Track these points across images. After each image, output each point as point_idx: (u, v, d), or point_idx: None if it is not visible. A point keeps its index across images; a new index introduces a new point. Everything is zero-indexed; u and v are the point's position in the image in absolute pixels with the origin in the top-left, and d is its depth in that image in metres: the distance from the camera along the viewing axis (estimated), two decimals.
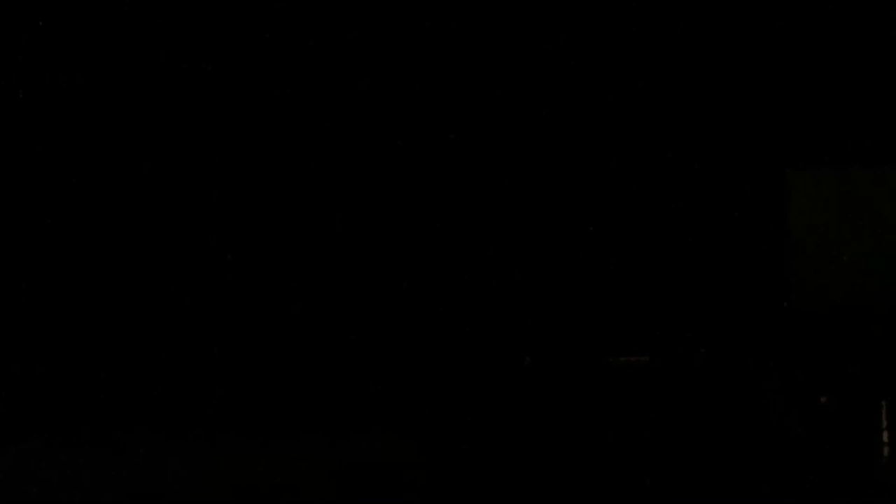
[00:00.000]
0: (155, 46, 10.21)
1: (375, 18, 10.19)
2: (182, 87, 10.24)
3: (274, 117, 10.27)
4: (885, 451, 8.30)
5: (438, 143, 10.20)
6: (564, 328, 10.07)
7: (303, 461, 8.06)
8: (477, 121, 10.23)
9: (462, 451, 8.31)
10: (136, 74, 10.23)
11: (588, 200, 10.19)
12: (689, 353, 9.91)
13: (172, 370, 10.04)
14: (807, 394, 9.10)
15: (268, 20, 10.25)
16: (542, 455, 8.14)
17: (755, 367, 9.56)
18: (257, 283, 10.31)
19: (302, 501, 7.28)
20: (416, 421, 9.09)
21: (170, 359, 10.12)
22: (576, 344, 10.02)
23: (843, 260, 9.59)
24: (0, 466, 8.15)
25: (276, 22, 10.27)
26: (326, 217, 10.33)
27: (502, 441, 8.50)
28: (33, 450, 8.55)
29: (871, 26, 9.92)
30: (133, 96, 10.25)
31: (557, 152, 10.19)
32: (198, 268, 10.31)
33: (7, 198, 10.26)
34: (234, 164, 10.29)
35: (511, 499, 7.28)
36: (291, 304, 10.29)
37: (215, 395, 9.72)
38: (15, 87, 10.17)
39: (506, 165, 10.20)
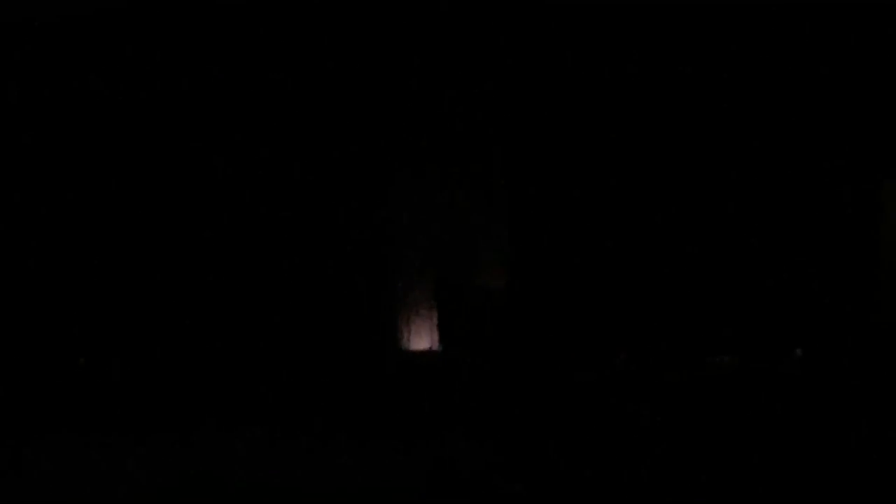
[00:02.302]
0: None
1: None
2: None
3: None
4: None
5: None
6: (662, 328, 10.01)
7: (387, 463, 7.95)
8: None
9: (547, 453, 8.14)
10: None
11: (687, 209, 10.18)
12: (783, 354, 9.80)
13: (248, 365, 10.06)
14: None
15: None
16: (630, 455, 7.94)
17: (848, 370, 9.42)
18: (346, 282, 10.37)
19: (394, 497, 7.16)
20: (500, 423, 8.94)
21: (245, 354, 10.17)
22: (673, 344, 9.94)
23: None
24: (45, 454, 8.16)
25: None
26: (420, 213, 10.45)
27: (589, 442, 8.34)
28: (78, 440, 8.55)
29: None
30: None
31: (659, 161, 10.21)
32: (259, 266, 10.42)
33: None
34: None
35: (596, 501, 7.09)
36: (370, 304, 10.34)
37: (301, 393, 9.68)
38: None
39: (612, 174, 10.24)
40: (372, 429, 8.84)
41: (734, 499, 6.97)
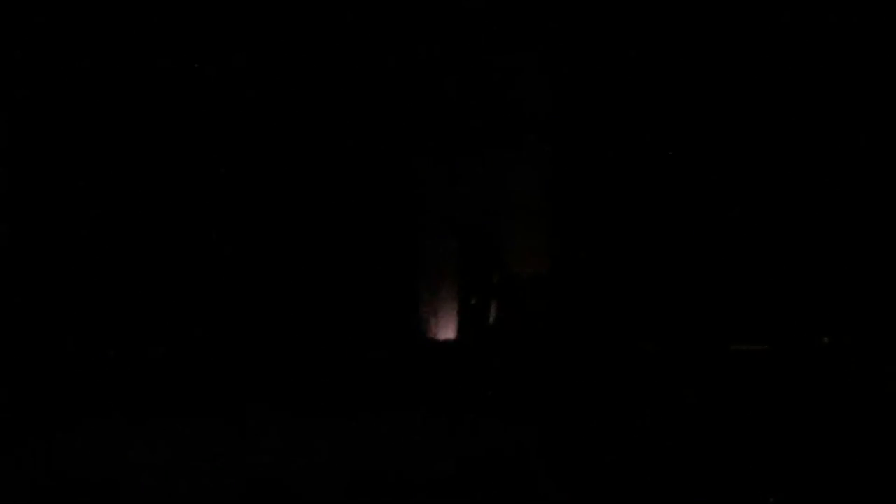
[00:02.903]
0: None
1: None
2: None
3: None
4: None
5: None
6: (687, 315, 9.85)
7: (422, 445, 7.82)
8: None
9: (583, 439, 8.00)
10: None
11: (712, 190, 10.00)
12: (812, 342, 9.69)
13: (271, 354, 9.94)
14: None
15: None
16: (663, 444, 7.76)
17: (880, 357, 9.24)
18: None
19: (423, 484, 7.09)
20: (536, 407, 8.75)
21: (268, 342, 10.05)
22: (698, 331, 9.81)
23: None
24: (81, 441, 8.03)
25: None
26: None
27: (623, 429, 8.15)
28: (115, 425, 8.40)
29: None
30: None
31: (693, 148, 10.00)
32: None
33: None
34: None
35: (632, 491, 6.99)
36: (395, 293, 10.27)
37: (321, 384, 9.45)
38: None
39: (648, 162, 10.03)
40: (394, 423, 8.55)
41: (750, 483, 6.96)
